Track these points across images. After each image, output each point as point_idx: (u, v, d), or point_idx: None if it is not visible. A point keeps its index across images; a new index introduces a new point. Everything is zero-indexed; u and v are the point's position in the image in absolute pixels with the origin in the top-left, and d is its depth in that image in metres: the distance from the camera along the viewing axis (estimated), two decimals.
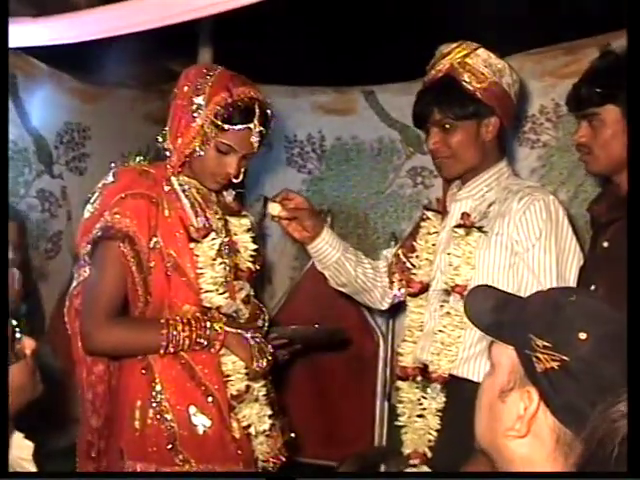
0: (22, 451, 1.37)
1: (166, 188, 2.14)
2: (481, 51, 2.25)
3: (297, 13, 3.41)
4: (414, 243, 2.41)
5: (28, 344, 1.44)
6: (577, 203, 3.10)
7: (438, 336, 2.23)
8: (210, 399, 2.11)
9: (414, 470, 2.26)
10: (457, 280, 2.21)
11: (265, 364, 2.15)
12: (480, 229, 2.22)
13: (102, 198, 2.11)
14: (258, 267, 2.31)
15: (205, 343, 2.08)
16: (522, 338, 1.18)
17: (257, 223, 2.50)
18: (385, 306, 2.54)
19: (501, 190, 2.28)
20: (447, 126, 2.25)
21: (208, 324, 2.08)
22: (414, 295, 2.37)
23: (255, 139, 2.12)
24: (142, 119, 3.66)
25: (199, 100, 2.09)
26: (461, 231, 2.24)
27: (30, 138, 3.25)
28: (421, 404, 2.28)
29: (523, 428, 1.17)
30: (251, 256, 2.28)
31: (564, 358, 1.13)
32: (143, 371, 2.11)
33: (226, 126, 2.09)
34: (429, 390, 2.25)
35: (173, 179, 2.16)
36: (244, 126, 2.10)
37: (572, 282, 2.18)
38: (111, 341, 2.09)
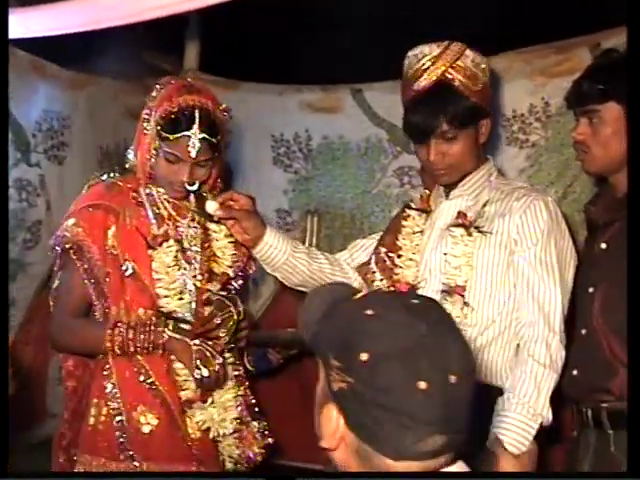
0: None
1: (133, 198, 2.24)
2: (468, 51, 2.19)
3: (284, 10, 3.38)
4: (397, 242, 2.34)
5: None
6: (566, 204, 3.07)
7: None
8: (159, 400, 2.17)
9: None
10: (458, 280, 2.17)
11: (207, 374, 2.13)
12: (479, 229, 2.19)
13: (72, 208, 2.25)
14: (236, 273, 2.34)
15: (150, 347, 2.14)
16: (324, 354, 1.18)
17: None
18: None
19: (493, 190, 2.25)
20: (450, 135, 2.17)
21: (152, 328, 2.14)
22: None
23: (195, 146, 2.13)
24: (123, 112, 3.61)
25: (149, 113, 2.19)
26: (460, 230, 2.20)
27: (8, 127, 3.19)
28: None
29: (332, 442, 1.17)
30: (232, 261, 2.32)
31: (349, 380, 1.12)
32: (104, 372, 2.19)
33: (167, 135, 2.14)
34: None
35: (141, 189, 2.25)
36: (183, 134, 2.13)
37: (570, 281, 2.17)
38: (64, 337, 2.22)
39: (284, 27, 3.63)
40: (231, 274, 2.32)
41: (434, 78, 2.16)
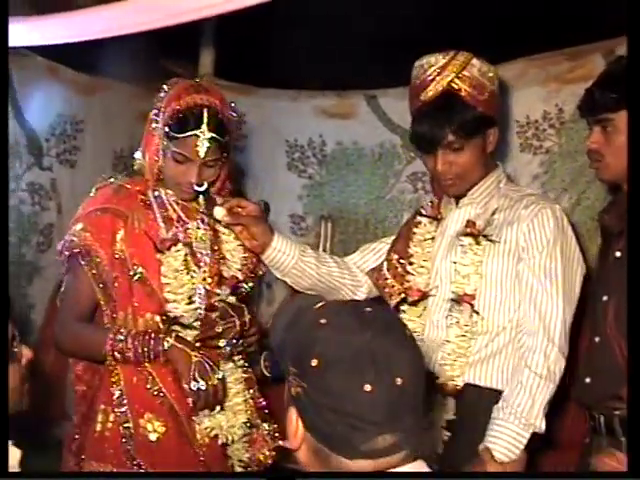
0: (10, 457, 1.35)
1: (141, 201, 2.20)
2: (475, 61, 2.17)
3: (300, 17, 3.39)
4: (409, 249, 2.34)
5: (25, 353, 1.46)
6: (579, 210, 3.07)
7: (447, 347, 2.18)
8: (166, 408, 2.15)
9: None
10: (467, 289, 2.17)
11: (205, 387, 2.07)
12: (488, 237, 2.18)
13: (79, 212, 2.21)
14: (245, 275, 2.31)
15: (150, 355, 2.09)
16: (285, 361, 1.26)
17: None
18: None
19: (502, 197, 2.25)
20: (456, 145, 2.16)
21: (152, 336, 2.09)
22: (412, 303, 2.32)
23: (204, 145, 2.10)
24: (136, 116, 3.62)
25: (157, 113, 2.16)
26: (469, 239, 2.20)
27: (22, 131, 3.21)
28: None
29: (295, 442, 1.24)
30: (241, 264, 2.30)
31: (303, 385, 1.20)
32: (112, 378, 2.16)
33: (175, 135, 2.11)
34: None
35: (149, 192, 2.22)
36: (191, 133, 2.09)
37: (577, 291, 2.16)
38: (67, 341, 2.20)
39: (298, 33, 3.64)
40: (240, 277, 2.29)
41: (440, 89, 2.15)
